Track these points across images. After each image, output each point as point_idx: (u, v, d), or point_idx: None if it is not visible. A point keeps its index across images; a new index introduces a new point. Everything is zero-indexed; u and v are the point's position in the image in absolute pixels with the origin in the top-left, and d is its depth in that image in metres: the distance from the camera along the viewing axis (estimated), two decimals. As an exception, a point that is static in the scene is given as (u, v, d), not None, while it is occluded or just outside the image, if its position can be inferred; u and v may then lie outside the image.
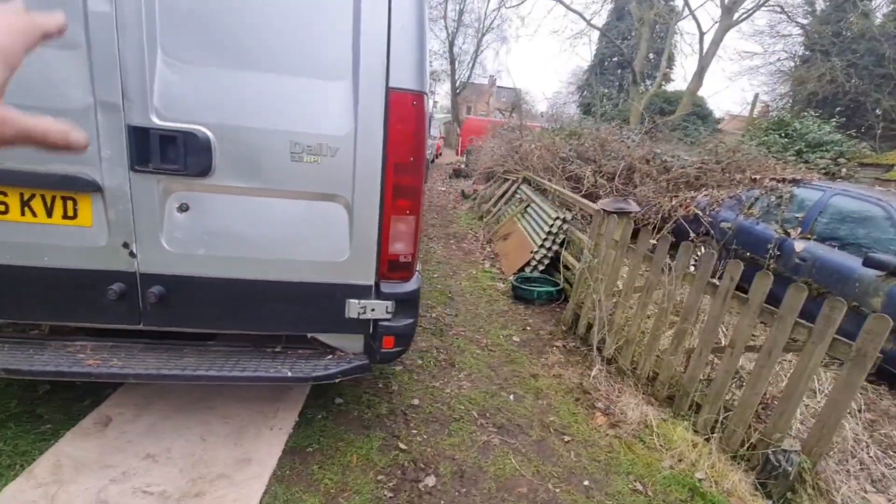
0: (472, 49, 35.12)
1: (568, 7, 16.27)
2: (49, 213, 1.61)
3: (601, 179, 7.14)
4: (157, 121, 1.56)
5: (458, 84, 36.18)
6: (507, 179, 7.93)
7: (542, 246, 4.76)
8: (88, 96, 1.51)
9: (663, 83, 20.79)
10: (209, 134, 1.59)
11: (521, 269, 4.76)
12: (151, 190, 1.63)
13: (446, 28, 33.05)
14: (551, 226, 4.77)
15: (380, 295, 1.83)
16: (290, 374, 1.76)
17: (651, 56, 24.41)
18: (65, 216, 1.63)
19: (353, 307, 1.81)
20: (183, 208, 1.67)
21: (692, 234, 5.67)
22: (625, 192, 6.88)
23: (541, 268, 4.67)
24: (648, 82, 21.28)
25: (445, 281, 4.55)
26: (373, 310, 1.82)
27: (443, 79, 36.94)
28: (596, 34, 21.63)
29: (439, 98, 41.45)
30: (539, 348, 3.34)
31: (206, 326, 1.81)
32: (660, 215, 6.18)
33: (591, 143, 8.09)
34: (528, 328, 3.66)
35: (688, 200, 6.24)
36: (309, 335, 1.89)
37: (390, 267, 1.83)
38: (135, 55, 1.50)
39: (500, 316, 3.85)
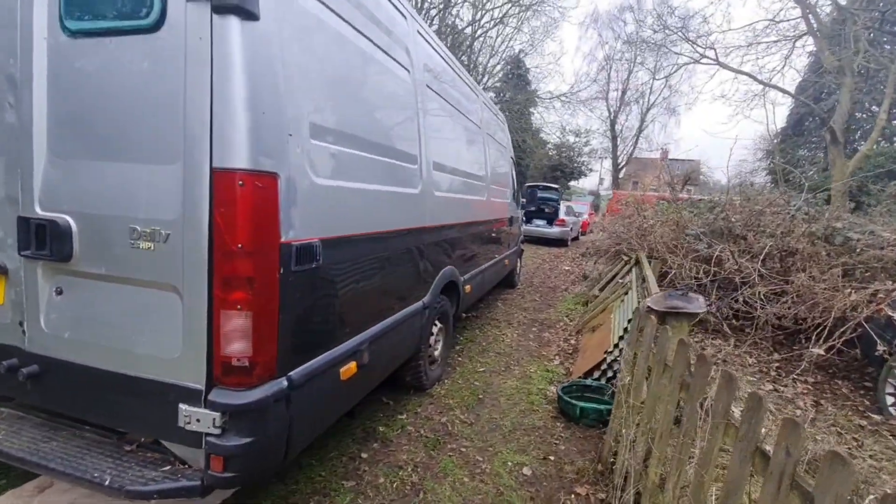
0: (635, 125, 33.91)
1: (736, 71, 14.33)
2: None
3: (745, 261, 5.58)
4: (39, 211, 1.69)
5: (620, 160, 34.91)
6: (623, 260, 6.83)
7: (616, 346, 3.76)
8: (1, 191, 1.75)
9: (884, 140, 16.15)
10: (70, 222, 1.65)
11: (590, 373, 3.80)
12: (36, 273, 1.75)
13: (608, 108, 32.85)
14: (630, 320, 3.76)
15: (207, 403, 1.54)
16: (107, 481, 1.56)
17: (874, 108, 19.46)
18: (-13, 294, 1.85)
19: (181, 414, 1.56)
20: (58, 291, 1.74)
21: (881, 347, 3.80)
22: (779, 281, 5.19)
23: (610, 374, 3.64)
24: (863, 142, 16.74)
25: (488, 378, 3.90)
26: (198, 420, 1.54)
27: (605, 156, 36.21)
28: (780, 94, 18.38)
29: (605, 176, 40.28)
30: (550, 493, 2.45)
31: (70, 411, 1.79)
32: (832, 315, 4.39)
33: (739, 217, 6.53)
34: (553, 458, 2.77)
35: (880, 297, 4.30)
36: (143, 438, 1.70)
37: (224, 370, 1.55)
38: (28, 155, 1.69)
39: (527, 434, 3.03)
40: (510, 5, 20.05)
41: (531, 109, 24.48)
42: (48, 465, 1.64)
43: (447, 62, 3.73)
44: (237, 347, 1.53)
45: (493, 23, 20.59)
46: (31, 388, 1.80)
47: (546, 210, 14.54)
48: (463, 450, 2.82)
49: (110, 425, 1.78)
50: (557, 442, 2.95)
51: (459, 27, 21.29)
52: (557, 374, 4.07)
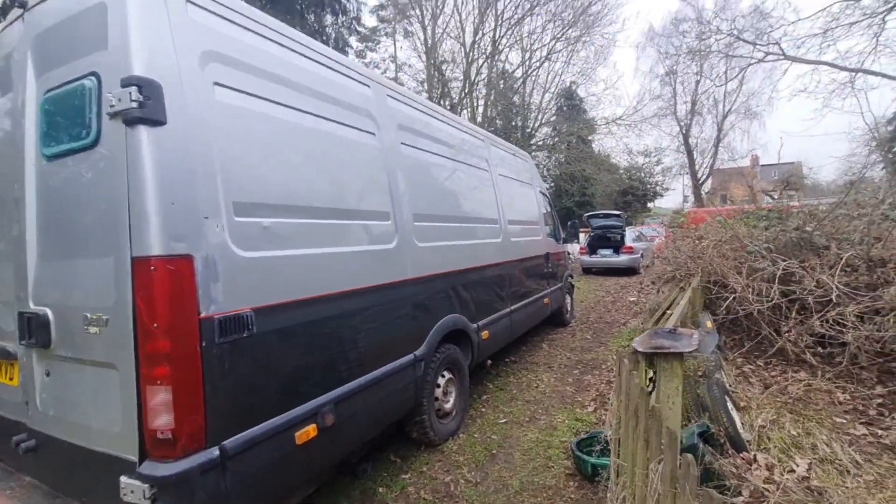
0: (712, 135, 31.60)
1: (810, 62, 12.84)
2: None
3: (825, 277, 4.80)
4: (31, 305, 2.01)
5: (700, 175, 32.51)
6: (679, 287, 6.18)
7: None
8: (11, 293, 2.10)
9: None
10: (49, 313, 1.93)
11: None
12: (32, 359, 2.05)
13: (678, 122, 31.07)
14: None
15: (138, 475, 1.65)
16: (64, 551, 1.72)
17: None
18: (7, 377, 2.20)
19: (121, 485, 1.68)
20: (47, 373, 2.01)
21: None
22: (869, 297, 4.36)
23: (639, 423, 3.23)
24: None
25: (508, 429, 3.67)
26: (132, 491, 1.64)
27: (683, 172, 33.97)
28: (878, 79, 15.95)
29: (689, 193, 37.58)
30: (542, 566, 2.19)
31: (43, 481, 2.03)
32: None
33: (816, 226, 5.71)
34: (555, 525, 2.48)
35: None
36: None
37: (152, 443, 1.66)
38: (24, 260, 2.03)
39: (534, 495, 2.76)
40: (555, 41, 20.28)
41: (590, 137, 23.90)
42: (33, 533, 1.85)
43: (435, 117, 3.85)
44: (162, 421, 1.64)
45: (540, 61, 20.87)
46: (31, 462, 2.07)
47: (610, 238, 13.80)
48: (460, 513, 2.65)
49: (77, 498, 1.97)
50: (566, 504, 2.65)
51: (509, 70, 21.90)
52: (587, 423, 3.70)
